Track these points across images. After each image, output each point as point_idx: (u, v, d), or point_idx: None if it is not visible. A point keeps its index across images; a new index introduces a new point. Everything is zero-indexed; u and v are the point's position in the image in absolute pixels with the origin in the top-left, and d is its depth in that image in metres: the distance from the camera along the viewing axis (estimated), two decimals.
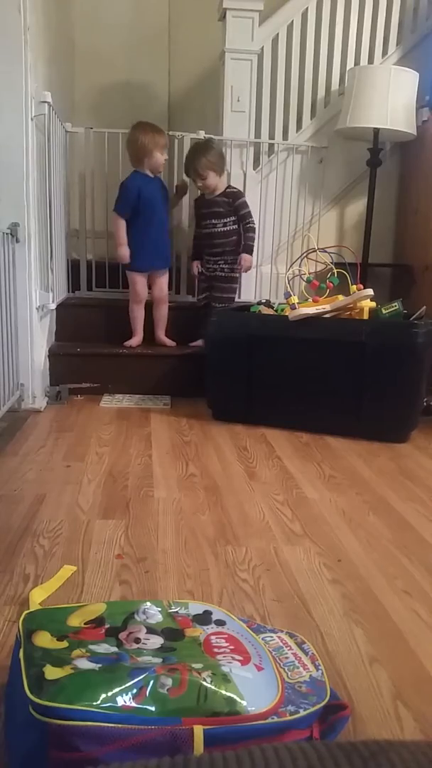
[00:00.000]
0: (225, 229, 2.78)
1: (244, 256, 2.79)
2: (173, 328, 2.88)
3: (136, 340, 2.82)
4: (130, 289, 2.83)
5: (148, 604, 0.95)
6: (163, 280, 2.83)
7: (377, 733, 0.86)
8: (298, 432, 2.29)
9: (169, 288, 2.92)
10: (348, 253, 2.63)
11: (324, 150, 3.17)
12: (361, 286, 2.31)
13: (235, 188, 2.83)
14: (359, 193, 3.25)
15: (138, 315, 2.84)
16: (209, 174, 2.71)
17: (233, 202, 2.76)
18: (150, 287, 2.83)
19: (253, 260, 2.84)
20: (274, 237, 3.20)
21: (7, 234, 2.20)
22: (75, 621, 0.90)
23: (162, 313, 2.87)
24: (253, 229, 2.80)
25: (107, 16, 3.62)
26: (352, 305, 2.28)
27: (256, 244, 3.18)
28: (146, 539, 1.44)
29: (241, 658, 0.84)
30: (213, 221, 2.78)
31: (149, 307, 2.85)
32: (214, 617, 0.94)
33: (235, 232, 2.80)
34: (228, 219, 2.77)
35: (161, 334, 2.88)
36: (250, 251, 2.81)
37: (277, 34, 3.04)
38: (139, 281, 2.79)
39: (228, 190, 2.79)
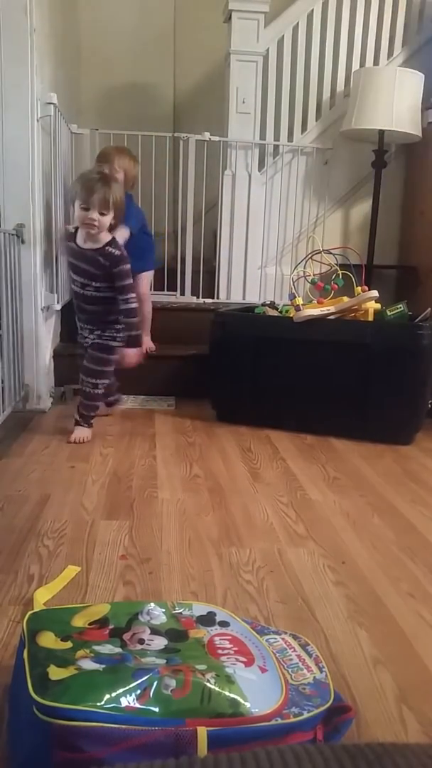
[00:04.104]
0: (97, 294, 2.10)
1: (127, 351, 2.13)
2: (174, 330, 2.86)
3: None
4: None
5: (152, 605, 0.95)
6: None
7: (381, 736, 0.86)
8: (303, 433, 2.29)
9: (172, 289, 2.91)
10: (353, 254, 2.63)
11: (329, 151, 3.17)
12: (366, 288, 2.31)
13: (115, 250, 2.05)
14: (364, 194, 3.25)
15: None
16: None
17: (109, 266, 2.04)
18: None
19: (257, 262, 2.76)
20: (278, 238, 3.20)
21: (12, 235, 2.20)
22: (79, 621, 0.90)
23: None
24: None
25: (113, 18, 3.63)
26: (356, 307, 2.27)
27: (261, 243, 3.15)
28: (150, 540, 1.44)
29: (244, 659, 0.84)
30: (84, 280, 2.10)
31: None
32: (218, 618, 0.94)
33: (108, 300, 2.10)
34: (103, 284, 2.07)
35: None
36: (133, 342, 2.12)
37: (283, 36, 3.04)
38: None
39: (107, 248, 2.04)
